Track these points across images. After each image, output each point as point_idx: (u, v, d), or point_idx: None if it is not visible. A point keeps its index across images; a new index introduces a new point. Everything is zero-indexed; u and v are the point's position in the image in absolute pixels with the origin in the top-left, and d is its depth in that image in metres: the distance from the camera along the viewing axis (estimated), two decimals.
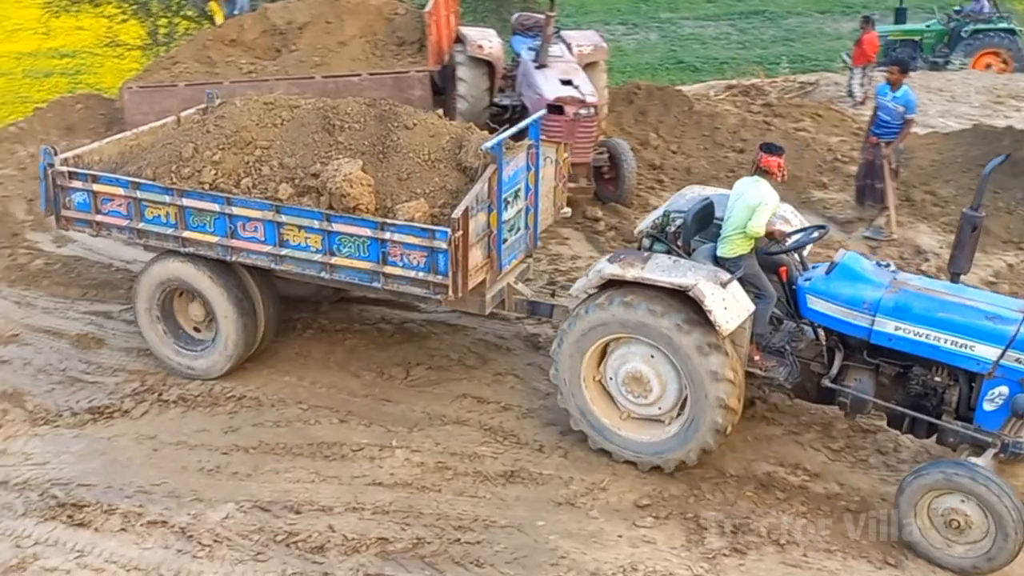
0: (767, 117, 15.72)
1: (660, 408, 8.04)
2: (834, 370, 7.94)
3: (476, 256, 8.35)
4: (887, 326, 7.53)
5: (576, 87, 12.26)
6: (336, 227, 8.37)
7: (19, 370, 9.83)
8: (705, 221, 8.39)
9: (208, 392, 9.28)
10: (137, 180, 9.03)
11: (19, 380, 9.66)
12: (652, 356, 7.85)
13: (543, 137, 9.32)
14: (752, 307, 7.77)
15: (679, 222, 8.40)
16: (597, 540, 7.43)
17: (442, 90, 14.17)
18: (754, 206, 7.74)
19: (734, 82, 21.94)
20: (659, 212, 8.76)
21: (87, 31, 26.78)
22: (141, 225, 9.10)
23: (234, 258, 8.92)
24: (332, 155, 8.75)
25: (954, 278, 7.93)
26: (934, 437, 7.78)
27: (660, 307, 7.64)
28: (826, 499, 7.88)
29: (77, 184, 9.23)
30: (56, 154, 9.28)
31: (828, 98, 18.58)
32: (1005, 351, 7.15)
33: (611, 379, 8.14)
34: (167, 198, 8.87)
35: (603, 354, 8.18)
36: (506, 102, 13.48)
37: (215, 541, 7.48)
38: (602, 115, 13.21)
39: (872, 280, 7.77)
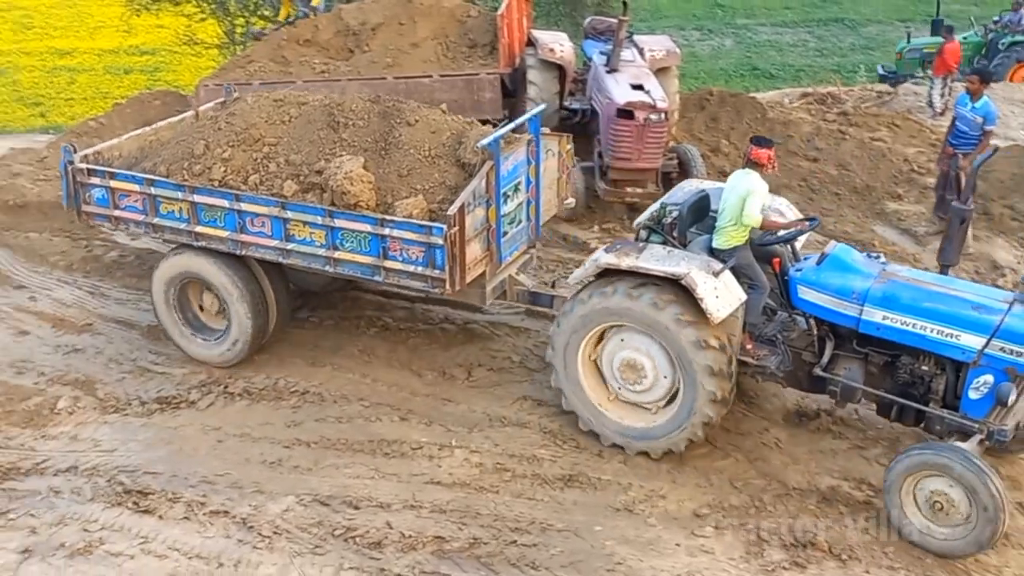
0: (842, 126, 15.42)
1: (652, 396, 8.28)
2: (824, 359, 8.09)
3: (475, 250, 8.57)
4: (875, 315, 7.71)
5: (647, 92, 12.18)
6: (338, 223, 8.59)
7: (91, 359, 10.07)
8: (701, 213, 8.56)
9: (272, 386, 9.40)
10: (152, 177, 9.30)
11: (91, 368, 9.89)
12: (650, 347, 8.08)
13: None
14: (744, 296, 7.97)
15: (675, 214, 8.54)
16: (654, 548, 7.36)
17: (512, 93, 14.17)
18: (745, 196, 7.88)
19: (809, 90, 21.56)
20: (656, 205, 8.88)
21: (166, 29, 27.36)
22: (156, 220, 9.38)
23: (243, 252, 9.21)
24: (336, 152, 8.98)
25: (943, 270, 8.15)
26: (922, 425, 7.90)
27: (658, 297, 7.85)
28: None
29: (95, 181, 9.52)
30: (75, 152, 9.61)
31: (906, 108, 18.17)
32: (990, 340, 7.29)
33: (607, 364, 8.38)
34: (179, 194, 9.14)
35: (600, 337, 8.39)
36: (576, 106, 13.45)
37: (275, 533, 7.57)
38: (672, 121, 13.10)
39: (861, 271, 7.94)
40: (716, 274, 7.79)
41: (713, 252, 8.14)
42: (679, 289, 7.79)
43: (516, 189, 9.06)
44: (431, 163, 8.88)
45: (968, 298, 7.62)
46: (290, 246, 8.90)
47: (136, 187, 9.34)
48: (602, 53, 13.28)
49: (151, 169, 9.48)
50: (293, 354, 9.89)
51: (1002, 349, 7.28)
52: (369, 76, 14.11)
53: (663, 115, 12.00)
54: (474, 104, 13.97)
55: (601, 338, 8.39)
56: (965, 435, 7.41)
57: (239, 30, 22.72)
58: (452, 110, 14.01)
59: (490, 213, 8.67)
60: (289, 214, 8.76)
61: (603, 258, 8.10)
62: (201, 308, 9.92)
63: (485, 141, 8.58)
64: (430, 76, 13.99)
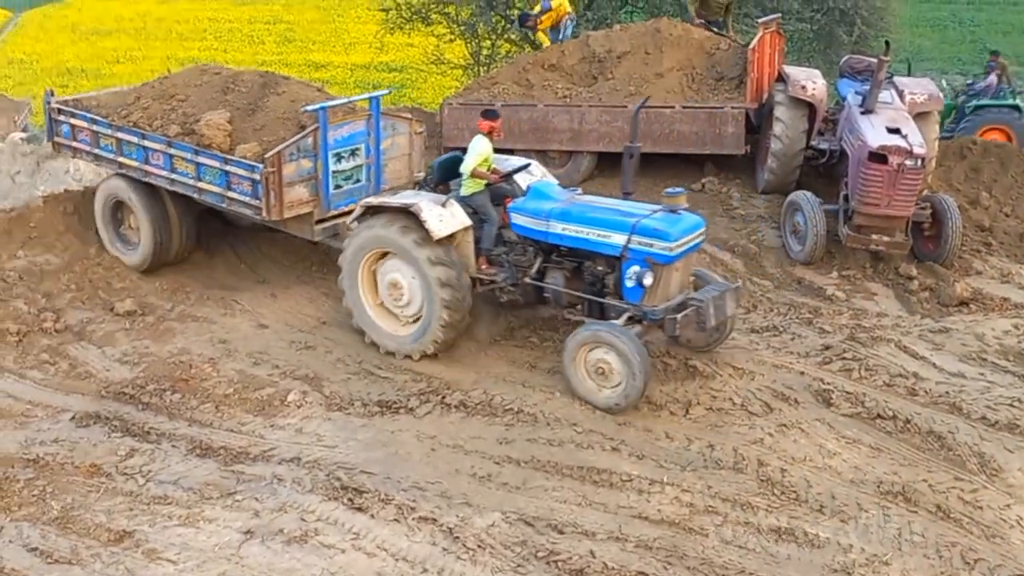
0: None
1: (409, 311, 10.15)
2: (533, 270, 9.95)
3: (300, 192, 10.83)
4: (556, 228, 9.64)
5: (903, 136, 11.61)
6: (200, 159, 11.03)
7: (321, 357, 10.47)
8: (453, 171, 10.32)
9: (488, 402, 9.44)
10: (94, 117, 11.97)
11: (320, 366, 10.28)
12: (407, 271, 9.94)
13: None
14: (468, 221, 9.89)
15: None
16: None
17: (757, 129, 13.84)
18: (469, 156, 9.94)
19: None
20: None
21: (416, 48, 28.50)
22: (97, 151, 12.08)
23: (147, 179, 11.69)
24: (216, 108, 11.33)
25: (625, 196, 10.01)
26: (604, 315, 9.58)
27: (402, 225, 9.78)
28: None
29: (62, 119, 12.39)
30: (53, 95, 12.63)
31: None
32: (630, 236, 9.21)
33: (380, 282, 10.25)
34: (108, 131, 11.81)
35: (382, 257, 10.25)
36: (824, 146, 13.00)
37: (479, 546, 7.56)
38: (929, 169, 12.46)
39: (553, 197, 9.96)
40: (443, 204, 9.75)
41: (461, 200, 10.01)
42: (419, 222, 9.60)
43: (353, 154, 11.17)
44: (282, 123, 11.09)
45: (621, 209, 9.61)
46: (174, 176, 11.36)
47: (85, 124, 12.06)
48: (858, 93, 12.77)
49: (103, 113, 11.99)
50: (510, 373, 9.93)
51: (640, 243, 9.14)
52: (610, 104, 14.14)
53: (919, 161, 11.38)
54: (715, 137, 13.75)
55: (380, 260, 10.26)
56: (632, 319, 9.27)
57: (484, 52, 23.31)
58: (693, 142, 14.01)
59: (317, 166, 10.77)
60: (172, 151, 11.22)
61: (367, 200, 10.28)
62: (129, 226, 12.29)
63: (311, 107, 10.75)
64: (672, 107, 13.87)
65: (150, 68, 35.39)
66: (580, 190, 10.60)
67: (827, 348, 10.20)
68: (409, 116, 12.15)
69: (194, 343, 10.75)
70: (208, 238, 12.93)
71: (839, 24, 20.07)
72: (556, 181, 10.56)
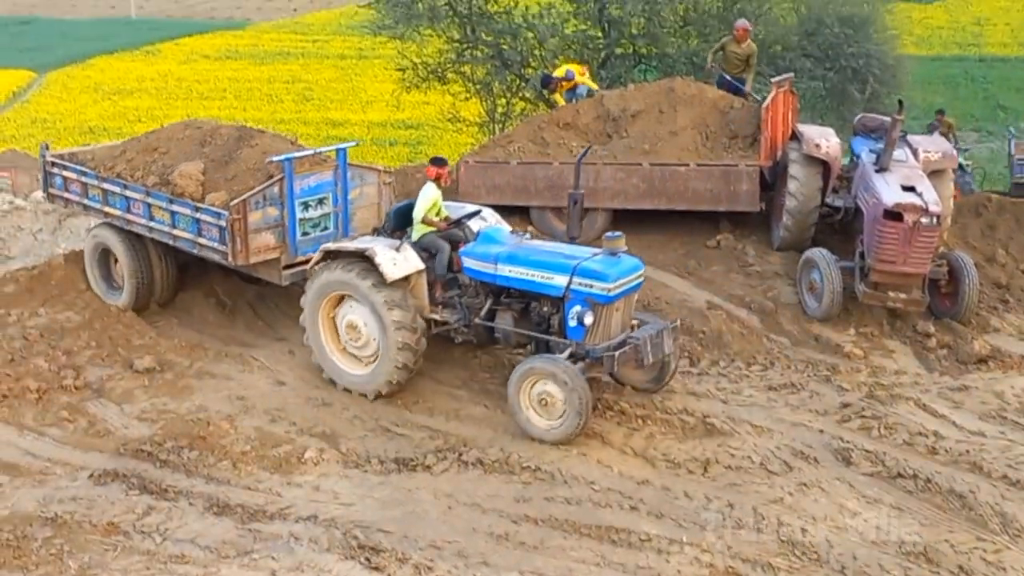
0: None
1: (366, 352, 10.61)
2: (483, 312, 10.43)
3: (266, 238, 11.38)
4: (504, 270, 10.17)
5: (919, 194, 11.64)
6: (174, 208, 11.63)
7: (338, 413, 10.50)
8: (409, 218, 10.75)
9: (505, 459, 9.42)
10: (82, 168, 12.62)
11: (337, 423, 10.32)
12: (365, 313, 10.41)
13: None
14: (421, 265, 10.40)
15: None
16: None
17: (771, 186, 13.90)
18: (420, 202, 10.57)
19: None
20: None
21: (432, 106, 28.78)
22: (86, 201, 12.70)
23: (129, 227, 12.32)
24: (192, 159, 11.90)
25: (571, 240, 10.55)
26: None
27: (359, 269, 10.30)
28: None
29: (56, 171, 13.04)
30: (48, 148, 13.47)
31: None
32: (571, 278, 9.73)
33: (340, 323, 10.73)
34: (95, 182, 12.44)
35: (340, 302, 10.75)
36: (839, 203, 13.02)
37: None
38: (945, 226, 12.44)
39: (501, 241, 10.45)
40: (397, 249, 10.29)
41: (414, 244, 10.56)
42: (374, 265, 10.12)
43: (321, 202, 11.71)
44: (252, 174, 11.59)
45: (565, 252, 10.15)
46: (152, 224, 11.98)
47: (75, 175, 12.71)
48: (872, 151, 12.81)
49: (90, 166, 12.64)
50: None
51: (580, 284, 9.66)
52: (624, 161, 14.24)
53: (935, 219, 11.40)
54: (730, 195, 13.80)
55: (340, 303, 10.73)
56: (575, 356, 9.71)
57: (499, 110, 23.56)
58: (708, 200, 14.05)
59: (283, 214, 11.38)
60: (150, 199, 11.84)
61: (326, 245, 10.78)
62: (112, 267, 12.93)
63: (277, 158, 11.36)
64: (686, 165, 13.95)
65: None
66: (529, 235, 11.16)
67: (846, 406, 10.17)
68: (378, 168, 12.80)
69: (212, 400, 10.79)
70: (227, 295, 13.04)
71: (851, 82, 20.20)
72: (508, 227, 11.01)
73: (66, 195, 13.06)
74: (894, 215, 11.41)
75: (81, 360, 11.58)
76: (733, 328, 12.03)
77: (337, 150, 12.03)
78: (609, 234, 10.09)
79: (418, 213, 10.57)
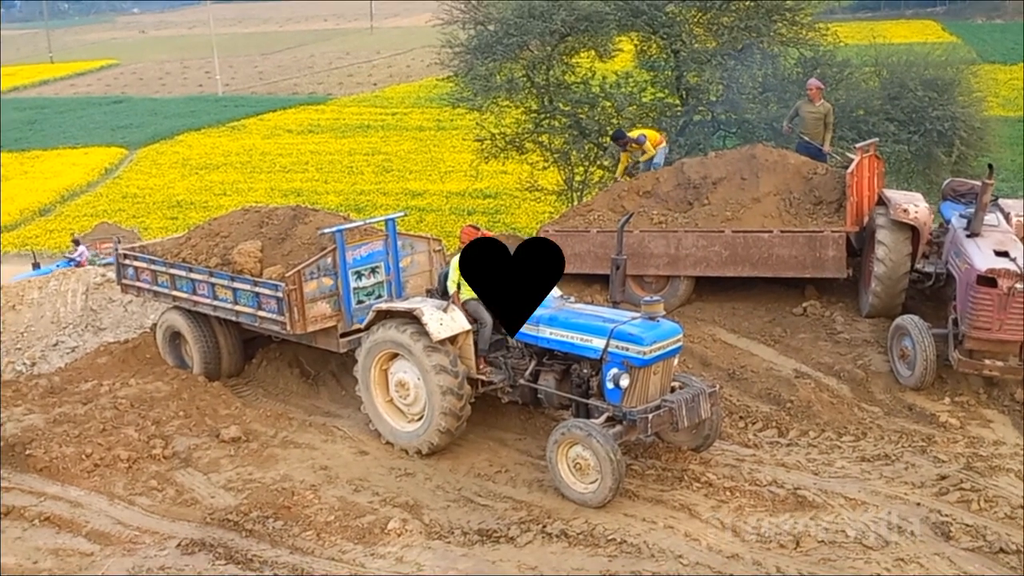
0: None
1: (415, 408, 10.92)
2: (527, 372, 10.66)
3: (322, 307, 11.86)
4: (545, 332, 10.40)
5: (1012, 259, 11.31)
6: (236, 284, 12.21)
7: (421, 483, 10.48)
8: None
9: (590, 532, 9.27)
10: (151, 258, 13.44)
11: (420, 493, 10.27)
12: (418, 377, 10.72)
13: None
14: (468, 326, 10.77)
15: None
16: None
17: (858, 252, 13.66)
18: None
19: None
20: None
21: (510, 175, 29.08)
22: (156, 288, 13.44)
23: (195, 308, 12.93)
24: (251, 239, 12.50)
25: (614, 305, 10.88)
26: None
27: (411, 330, 10.63)
28: None
29: (127, 262, 13.87)
30: (119, 243, 14.84)
31: None
32: (609, 341, 9.87)
33: (391, 380, 11.07)
34: (163, 268, 13.12)
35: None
36: (929, 269, 12.76)
37: None
38: None
39: (546, 304, 10.28)
40: (444, 309, 10.63)
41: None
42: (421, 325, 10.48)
43: (374, 271, 12.20)
44: (307, 248, 12.18)
45: (603, 315, 10.32)
46: (216, 303, 12.56)
47: (144, 264, 13.50)
48: (962, 216, 12.54)
49: (157, 255, 13.40)
50: (611, 502, 9.73)
51: (617, 347, 9.78)
52: (706, 228, 14.14)
53: None
54: (815, 261, 13.60)
55: (394, 359, 11.07)
56: (612, 419, 9.79)
57: (577, 178, 23.65)
58: (793, 266, 13.87)
59: (339, 284, 11.83)
60: (213, 279, 12.40)
61: (378, 304, 11.24)
62: (182, 348, 13.62)
63: (328, 230, 11.92)
64: (770, 231, 13.81)
65: (254, 199, 36.79)
66: (573, 297, 11.29)
67: (943, 478, 9.84)
68: (427, 236, 13.30)
69: (296, 470, 10.86)
70: (311, 365, 13.18)
71: (937, 145, 19.83)
72: (557, 291, 10.92)
73: (138, 284, 13.77)
74: (988, 281, 11.13)
75: (169, 430, 11.80)
76: (823, 397, 11.76)
77: (386, 220, 12.43)
78: (648, 298, 10.17)
79: (451, 285, 10.89)
